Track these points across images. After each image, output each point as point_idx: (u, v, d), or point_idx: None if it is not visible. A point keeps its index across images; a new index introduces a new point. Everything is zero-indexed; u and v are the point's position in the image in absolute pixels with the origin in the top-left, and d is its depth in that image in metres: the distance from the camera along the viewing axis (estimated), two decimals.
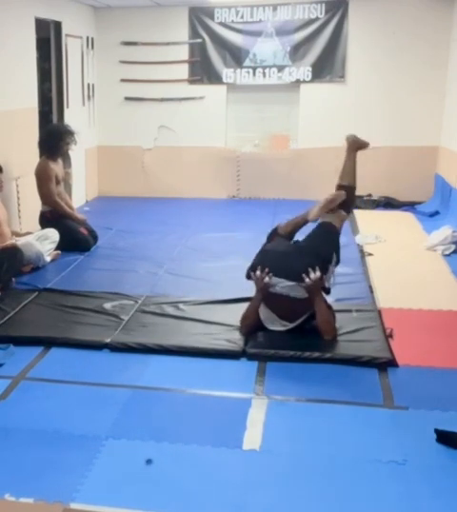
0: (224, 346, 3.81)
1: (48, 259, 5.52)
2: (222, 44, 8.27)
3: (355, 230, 6.66)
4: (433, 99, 7.96)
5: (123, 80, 8.55)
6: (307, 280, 3.76)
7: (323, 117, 8.25)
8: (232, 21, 8.19)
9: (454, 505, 2.43)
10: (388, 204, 7.92)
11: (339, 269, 4.87)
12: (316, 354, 3.68)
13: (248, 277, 4.01)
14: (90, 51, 8.29)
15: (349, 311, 4.31)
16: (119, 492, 2.52)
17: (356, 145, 4.44)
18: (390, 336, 3.94)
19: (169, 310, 4.40)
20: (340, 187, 4.25)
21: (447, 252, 5.72)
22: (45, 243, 5.59)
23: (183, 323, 4.21)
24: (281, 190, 8.33)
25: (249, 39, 8.20)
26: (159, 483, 2.57)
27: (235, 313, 4.14)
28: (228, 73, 8.34)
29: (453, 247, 5.76)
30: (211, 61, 8.35)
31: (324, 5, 7.99)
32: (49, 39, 7.40)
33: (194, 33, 8.32)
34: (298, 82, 8.24)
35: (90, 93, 8.35)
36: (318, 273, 3.77)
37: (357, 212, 7.53)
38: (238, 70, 8.31)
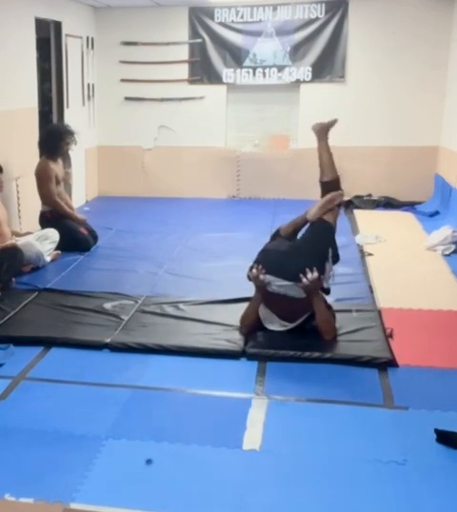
0: (224, 346, 3.81)
1: (48, 259, 5.52)
2: (222, 44, 8.27)
3: (355, 230, 6.66)
4: (433, 99, 7.96)
5: (123, 80, 8.55)
6: (304, 280, 3.76)
7: (323, 117, 8.06)
8: (232, 21, 8.19)
9: (454, 505, 2.43)
10: (388, 204, 7.92)
11: (339, 269, 4.87)
12: (316, 354, 3.68)
13: (250, 279, 4.02)
14: (90, 51, 8.29)
15: (349, 311, 4.31)
16: (119, 492, 2.52)
17: (324, 129, 4.44)
18: (390, 336, 3.94)
19: (169, 310, 4.40)
20: (324, 184, 4.23)
21: (447, 252, 5.72)
22: (45, 243, 5.59)
23: (183, 323, 4.21)
24: (281, 190, 8.33)
25: (249, 39, 8.20)
26: (159, 483, 2.57)
27: (235, 313, 4.14)
28: (228, 73, 8.34)
29: (453, 247, 5.76)
30: (211, 61, 8.35)
31: (324, 5, 7.99)
32: (49, 39, 7.41)
33: (194, 33, 8.32)
34: (298, 82, 8.24)
35: (90, 93, 8.35)
36: (316, 273, 3.77)
37: (357, 212, 7.54)
38: (238, 70, 8.31)
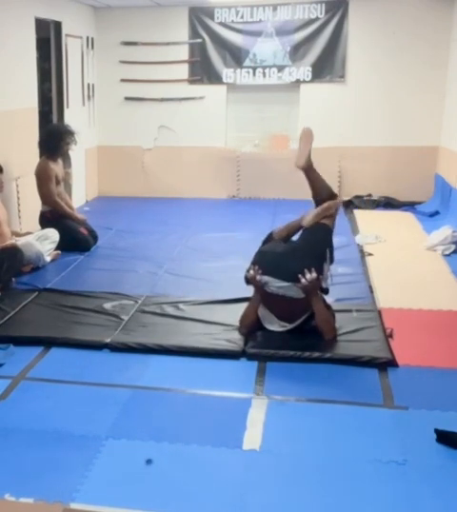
0: (224, 346, 3.81)
1: (48, 259, 5.52)
2: (222, 44, 8.27)
3: (355, 230, 6.66)
4: (433, 99, 7.96)
5: (123, 80, 8.55)
6: (303, 280, 3.76)
7: (323, 117, 8.24)
8: (232, 21, 8.19)
9: (454, 505, 2.43)
10: (388, 204, 7.92)
11: (339, 269, 4.88)
12: (316, 354, 3.68)
13: (247, 282, 4.02)
14: (90, 51, 8.29)
15: (349, 311, 4.31)
16: (119, 492, 2.52)
17: (308, 157, 4.02)
18: (390, 336, 3.94)
19: (169, 310, 4.40)
20: (318, 201, 4.18)
21: (447, 252, 5.72)
22: (45, 243, 5.59)
23: (183, 323, 4.21)
24: (281, 190, 8.33)
25: (249, 39, 8.20)
26: (159, 483, 2.57)
27: (235, 313, 4.14)
28: (228, 73, 8.34)
29: (453, 247, 5.76)
30: (211, 61, 8.35)
31: (324, 5, 7.99)
32: (49, 39, 7.41)
33: (194, 33, 8.33)
34: (298, 82, 8.25)
35: (90, 93, 8.35)
36: (314, 274, 3.77)
37: (357, 212, 7.54)
38: (238, 70, 8.31)
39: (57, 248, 5.74)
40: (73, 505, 2.41)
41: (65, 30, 7.46)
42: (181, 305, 4.48)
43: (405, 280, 5.06)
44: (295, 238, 4.24)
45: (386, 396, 3.28)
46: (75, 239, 5.98)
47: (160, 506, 2.43)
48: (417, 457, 2.74)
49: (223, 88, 8.44)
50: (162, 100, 8.53)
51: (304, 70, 8.17)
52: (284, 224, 4.34)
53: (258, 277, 3.87)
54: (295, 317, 3.94)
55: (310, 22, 8.05)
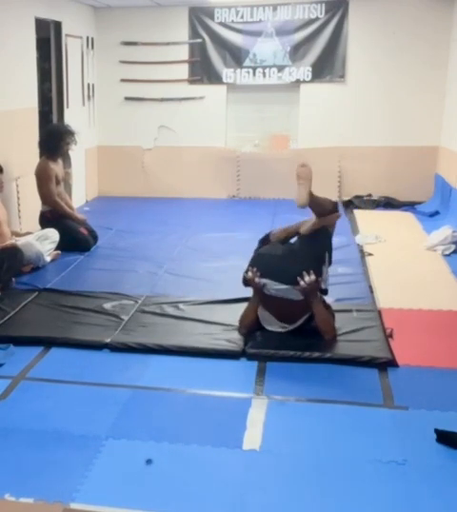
0: (224, 346, 3.81)
1: (48, 259, 5.52)
2: (222, 44, 8.27)
3: (355, 230, 6.65)
4: (433, 99, 7.96)
5: (123, 80, 8.56)
6: (301, 283, 3.75)
7: (323, 117, 8.25)
8: (232, 21, 8.20)
9: (454, 505, 2.43)
10: (388, 204, 7.92)
11: (339, 269, 4.89)
12: (316, 354, 3.68)
13: (245, 283, 4.01)
14: (90, 51, 8.29)
15: (349, 311, 4.31)
16: (119, 492, 2.52)
17: (309, 198, 3.91)
18: (390, 336, 3.94)
19: (169, 310, 4.40)
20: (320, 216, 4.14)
21: (447, 252, 5.72)
22: (45, 243, 5.59)
23: (183, 323, 4.21)
24: (281, 190, 8.32)
25: (249, 39, 8.20)
26: (159, 483, 2.57)
27: (235, 313, 4.14)
28: (228, 73, 8.34)
29: (453, 247, 5.76)
30: (211, 61, 8.35)
31: (324, 5, 7.99)
32: (49, 39, 7.41)
33: (194, 33, 8.33)
34: (298, 82, 8.24)
35: (90, 93, 8.35)
36: (313, 276, 3.76)
37: (357, 212, 7.54)
38: (238, 70, 8.31)
39: (57, 248, 5.74)
40: (73, 505, 2.41)
41: (65, 30, 7.46)
42: (181, 305, 4.48)
43: (405, 280, 5.06)
44: (293, 240, 4.23)
45: (386, 396, 3.28)
46: (75, 239, 5.98)
47: (160, 506, 2.43)
48: (417, 457, 2.74)
49: (223, 88, 8.44)
50: (162, 100, 8.53)
51: (304, 70, 8.17)
52: (282, 226, 4.34)
53: (256, 279, 3.87)
54: (295, 318, 3.94)
55: (310, 22, 8.05)
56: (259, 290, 3.91)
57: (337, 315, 4.06)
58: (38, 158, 6.23)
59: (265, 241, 4.22)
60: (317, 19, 8.04)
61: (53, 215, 6.05)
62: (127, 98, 8.60)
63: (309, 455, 2.77)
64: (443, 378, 3.48)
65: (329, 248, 4.03)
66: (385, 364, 3.58)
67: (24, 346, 3.82)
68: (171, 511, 2.42)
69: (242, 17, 8.16)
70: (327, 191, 4.37)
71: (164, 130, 8.67)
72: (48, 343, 3.90)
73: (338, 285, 4.51)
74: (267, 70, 8.25)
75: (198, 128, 8.52)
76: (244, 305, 4.11)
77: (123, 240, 6.41)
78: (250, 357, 3.72)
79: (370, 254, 5.72)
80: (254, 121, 8.60)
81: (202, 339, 3.92)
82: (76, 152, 7.13)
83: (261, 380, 3.46)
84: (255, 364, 3.64)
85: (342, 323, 4.04)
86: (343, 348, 3.77)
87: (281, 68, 8.21)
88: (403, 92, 8.04)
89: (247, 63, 8.28)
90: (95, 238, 6.21)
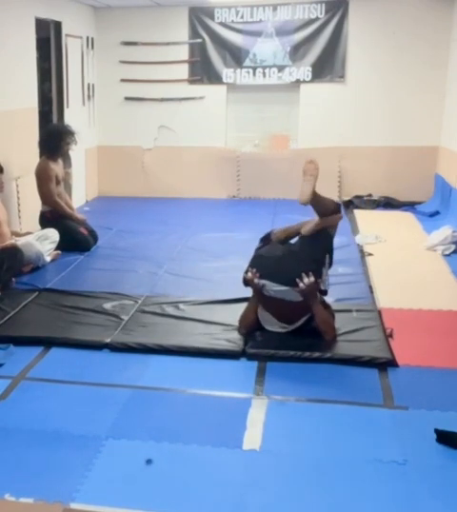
0: (224, 346, 3.81)
1: (48, 259, 5.52)
2: (222, 44, 8.28)
3: (355, 230, 6.66)
4: (433, 99, 7.96)
5: (123, 80, 8.56)
6: (301, 285, 3.75)
7: (323, 117, 8.25)
8: (232, 21, 8.20)
9: (454, 505, 2.43)
10: (388, 204, 7.92)
11: (339, 269, 4.88)
12: (316, 354, 3.68)
13: (245, 283, 4.02)
14: (90, 51, 8.29)
15: (349, 311, 4.31)
16: (119, 492, 2.52)
17: (312, 196, 3.93)
18: (390, 336, 3.94)
19: (169, 310, 4.40)
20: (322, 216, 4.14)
21: (447, 252, 5.72)
22: (45, 243, 5.59)
23: (183, 323, 4.21)
24: (281, 190, 8.32)
25: (249, 39, 8.20)
26: (159, 483, 2.57)
27: (235, 313, 4.14)
28: (228, 73, 8.34)
29: (453, 247, 5.76)
30: (211, 61, 8.35)
31: (324, 5, 7.99)
32: (49, 39, 7.41)
33: (194, 33, 8.33)
34: (298, 82, 8.25)
35: (90, 93, 8.35)
36: (312, 278, 3.76)
37: (357, 212, 7.54)
38: (238, 70, 8.31)
39: (57, 248, 5.74)
40: (73, 505, 2.41)
41: (65, 30, 7.46)
42: (181, 305, 4.48)
43: (405, 280, 5.06)
44: (294, 240, 4.23)
45: (386, 396, 3.28)
46: (75, 239, 5.98)
47: (160, 506, 2.43)
48: (417, 457, 2.74)
49: (223, 88, 8.44)
50: (162, 100, 8.53)
51: (304, 70, 8.17)
52: (283, 226, 4.34)
53: (256, 280, 3.87)
54: (295, 319, 3.94)
55: (310, 22, 8.06)
56: (258, 291, 3.91)
57: (337, 315, 4.06)
58: (38, 158, 6.23)
59: (266, 239, 4.22)
60: (317, 19, 8.04)
61: (53, 215, 6.05)
62: (127, 98, 8.60)
63: (309, 455, 2.77)
64: (443, 378, 3.48)
65: (330, 250, 4.03)
66: (385, 364, 3.58)
67: (24, 346, 3.82)
68: (171, 511, 2.42)
69: (242, 17, 8.16)
70: (328, 191, 4.35)
71: (164, 130, 8.67)
72: (48, 343, 3.90)
73: (338, 285, 4.51)
74: (267, 70, 8.25)
75: (198, 127, 8.52)
76: (244, 305, 4.11)
77: (123, 240, 6.41)
78: (250, 357, 3.72)
79: (370, 254, 5.72)
80: (254, 121, 8.60)
81: (202, 339, 3.92)
82: (76, 152, 7.13)
83: (261, 380, 3.46)
84: (255, 364, 3.64)
85: (342, 323, 4.04)
86: (343, 348, 3.77)
87: (281, 68, 8.22)
88: (403, 92, 8.04)
89: (247, 63, 8.28)
90: (95, 238, 6.21)
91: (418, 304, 4.53)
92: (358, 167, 8.24)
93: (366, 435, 2.92)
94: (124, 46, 8.47)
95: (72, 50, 7.70)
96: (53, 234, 5.76)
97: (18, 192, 6.40)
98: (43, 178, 6.03)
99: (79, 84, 7.99)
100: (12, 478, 2.59)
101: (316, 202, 3.96)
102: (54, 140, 6.10)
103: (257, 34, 8.17)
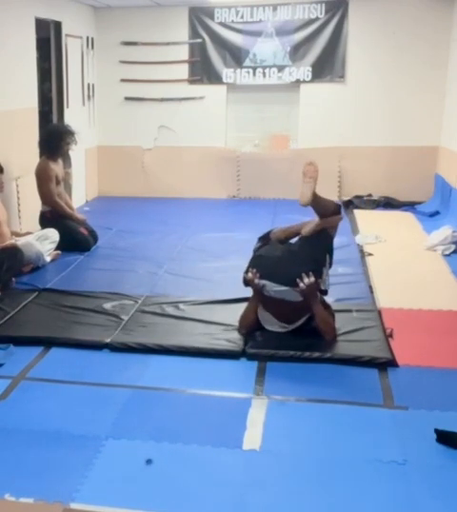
0: (224, 346, 3.81)
1: (48, 259, 5.52)
2: (222, 44, 8.28)
3: (355, 230, 6.65)
4: (433, 99, 7.96)
5: (123, 80, 8.56)
6: (301, 285, 3.75)
7: (323, 117, 8.25)
8: (232, 21, 8.20)
9: (454, 505, 2.43)
10: (388, 204, 7.92)
11: (339, 269, 4.88)
12: (316, 354, 3.68)
13: (245, 283, 4.02)
14: (90, 51, 8.29)
15: (349, 311, 4.31)
16: (119, 492, 2.52)
17: (313, 197, 3.92)
18: (390, 336, 3.94)
19: (169, 310, 4.40)
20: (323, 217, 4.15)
21: (447, 252, 5.72)
22: (45, 243, 5.59)
23: (183, 323, 4.21)
24: (281, 190, 8.33)
25: (249, 39, 8.20)
26: (159, 483, 2.57)
27: (235, 313, 4.14)
28: (228, 73, 8.34)
29: (453, 247, 5.76)
30: (211, 61, 8.35)
31: (324, 5, 7.99)
32: (49, 39, 7.41)
33: (194, 33, 8.33)
34: (298, 82, 8.25)
35: (90, 93, 8.35)
36: (312, 278, 3.76)
37: (357, 212, 7.54)
38: (238, 70, 8.31)
39: (57, 248, 5.74)
40: (73, 505, 2.41)
41: (65, 30, 7.46)
42: (181, 305, 4.48)
43: (405, 280, 5.06)
44: (293, 240, 4.23)
45: (386, 396, 3.28)
46: (75, 239, 5.98)
47: (160, 506, 2.43)
48: (417, 457, 2.74)
49: (223, 88, 8.44)
50: (162, 100, 8.53)
51: (304, 70, 8.17)
52: (283, 226, 4.33)
53: (256, 280, 3.87)
54: (295, 319, 3.94)
55: (310, 22, 8.06)
56: (259, 291, 3.91)
57: (337, 315, 4.06)
58: (38, 158, 6.23)
59: (264, 239, 4.22)
60: (317, 19, 8.04)
61: (53, 215, 6.05)
62: (127, 98, 8.60)
63: (309, 455, 2.77)
64: (443, 378, 3.48)
65: (330, 251, 4.03)
66: (385, 364, 3.58)
67: (24, 346, 3.82)
68: (171, 511, 2.42)
69: (242, 17, 8.16)
70: (328, 191, 4.35)
71: (164, 130, 8.67)
72: (48, 343, 3.90)
73: (338, 285, 4.51)
74: (267, 70, 8.25)
75: (198, 127, 8.52)
76: (244, 305, 4.11)
77: (123, 240, 6.41)
78: (250, 357, 3.71)
79: (370, 254, 5.72)
80: (254, 121, 8.60)
81: (202, 339, 3.92)
82: (76, 152, 7.13)
83: (261, 380, 3.46)
84: (255, 364, 3.64)
85: (342, 323, 4.04)
86: (343, 348, 3.77)
87: (281, 68, 8.22)
88: (403, 92, 8.04)
89: (247, 63, 8.28)
90: (95, 238, 6.21)
91: (418, 304, 4.53)
92: (358, 167, 8.24)
93: (366, 435, 2.92)
94: (124, 46, 8.47)
95: (72, 50, 7.70)
96: (53, 234, 5.76)
97: (18, 192, 6.40)
98: (43, 178, 6.03)
99: (79, 84, 7.99)
100: (12, 478, 2.59)
101: (316, 203, 3.96)
102: (54, 140, 6.10)
103: (257, 34, 8.17)
